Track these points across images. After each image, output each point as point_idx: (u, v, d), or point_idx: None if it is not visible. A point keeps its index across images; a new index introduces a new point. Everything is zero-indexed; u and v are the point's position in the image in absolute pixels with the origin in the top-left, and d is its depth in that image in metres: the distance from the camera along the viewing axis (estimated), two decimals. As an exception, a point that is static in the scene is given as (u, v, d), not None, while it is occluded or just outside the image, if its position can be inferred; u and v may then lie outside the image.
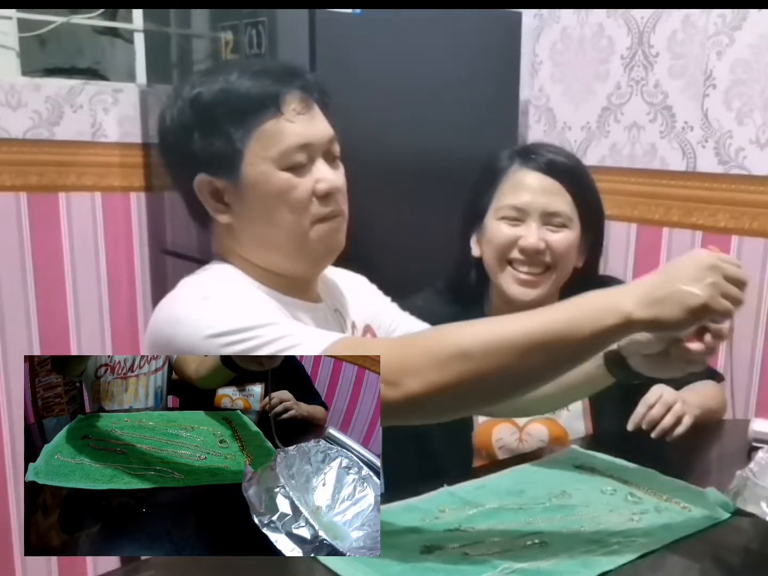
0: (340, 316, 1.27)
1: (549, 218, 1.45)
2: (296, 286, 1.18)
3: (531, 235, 1.44)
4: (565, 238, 1.46)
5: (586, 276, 1.52)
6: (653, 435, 1.34)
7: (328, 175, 1.12)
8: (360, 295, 1.33)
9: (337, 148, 1.16)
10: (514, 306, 1.45)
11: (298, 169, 1.10)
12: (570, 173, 1.47)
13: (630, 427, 1.36)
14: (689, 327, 0.99)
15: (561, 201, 1.45)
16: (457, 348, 0.91)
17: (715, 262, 0.95)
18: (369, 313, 1.32)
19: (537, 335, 0.92)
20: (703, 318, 0.96)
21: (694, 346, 1.06)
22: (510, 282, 1.47)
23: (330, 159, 1.15)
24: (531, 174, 1.46)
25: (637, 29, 2.17)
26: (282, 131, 1.09)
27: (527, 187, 1.45)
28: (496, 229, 1.47)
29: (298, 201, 1.10)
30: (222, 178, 1.11)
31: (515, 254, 1.46)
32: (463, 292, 1.53)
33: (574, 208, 1.46)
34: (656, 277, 0.96)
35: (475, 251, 1.53)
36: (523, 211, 1.45)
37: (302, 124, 1.10)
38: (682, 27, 2.08)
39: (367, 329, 1.30)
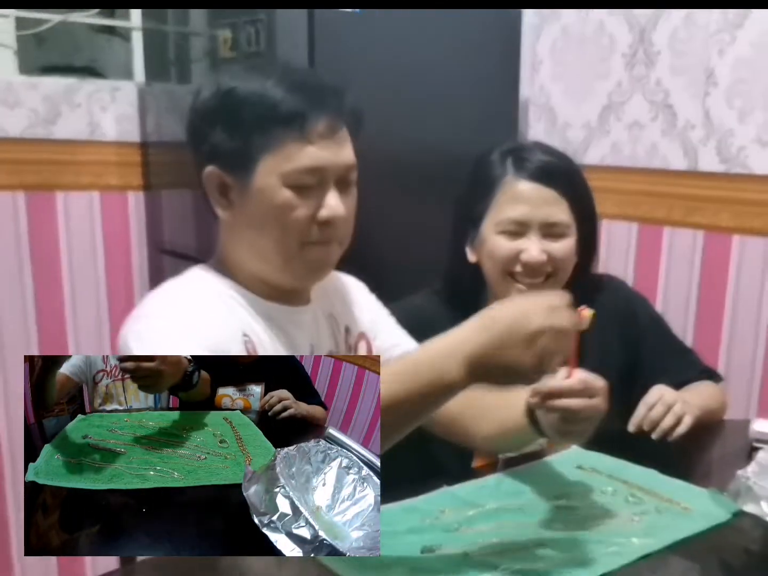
0: (334, 320, 1.28)
1: (549, 229, 1.44)
2: (282, 293, 1.19)
3: (533, 248, 1.43)
4: (565, 246, 1.46)
5: (581, 274, 1.51)
6: (654, 436, 1.34)
7: (332, 203, 1.12)
8: (357, 302, 1.33)
9: (353, 176, 1.16)
10: None
11: (303, 190, 1.10)
12: (565, 178, 1.46)
13: (631, 428, 1.36)
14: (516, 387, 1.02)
15: (559, 210, 1.44)
16: None
17: (543, 323, 0.92)
18: (365, 322, 1.32)
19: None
20: (529, 382, 0.98)
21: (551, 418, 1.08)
22: (513, 294, 1.45)
23: (343, 186, 1.14)
24: (527, 184, 1.44)
25: (638, 27, 2.17)
26: (298, 151, 1.09)
27: (525, 200, 1.44)
28: (497, 243, 1.45)
29: (294, 221, 1.11)
30: (232, 176, 1.12)
31: (518, 268, 1.45)
32: (461, 295, 1.52)
33: (571, 213, 1.45)
34: (486, 340, 0.93)
35: (471, 258, 1.52)
36: (523, 224, 1.44)
37: (322, 147, 1.10)
38: (683, 25, 2.07)
39: (361, 336, 1.31)
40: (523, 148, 1.50)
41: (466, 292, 1.53)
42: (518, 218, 1.43)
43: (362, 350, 1.30)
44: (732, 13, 1.98)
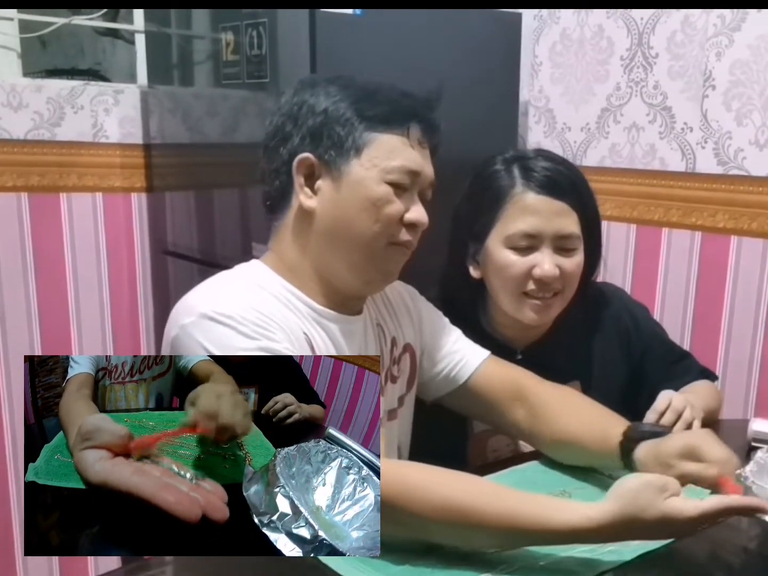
0: (381, 331, 1.26)
1: (561, 242, 1.38)
2: (340, 299, 1.18)
3: (546, 262, 1.37)
4: (576, 262, 1.41)
5: (584, 286, 1.47)
6: None
7: (420, 209, 1.15)
8: (407, 312, 1.32)
9: (429, 194, 1.18)
10: (518, 323, 1.44)
11: (398, 189, 1.12)
12: (574, 189, 1.41)
13: None
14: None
15: (570, 222, 1.39)
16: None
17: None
18: (412, 332, 1.31)
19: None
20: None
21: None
22: (525, 310, 1.41)
23: (423, 199, 1.17)
24: (537, 196, 1.37)
25: (636, 30, 2.17)
26: (403, 149, 1.12)
27: (536, 211, 1.37)
28: (507, 259, 1.39)
29: (388, 216, 1.12)
30: (327, 164, 1.12)
31: (530, 285, 1.39)
32: (460, 310, 1.46)
33: (580, 225, 1.41)
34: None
35: (475, 274, 1.46)
36: (534, 237, 1.38)
37: (418, 155, 1.14)
38: (681, 28, 2.08)
39: (407, 348, 1.29)
40: (528, 157, 1.43)
41: (466, 307, 1.49)
42: (530, 231, 1.37)
43: (406, 363, 1.28)
44: (729, 16, 1.98)
